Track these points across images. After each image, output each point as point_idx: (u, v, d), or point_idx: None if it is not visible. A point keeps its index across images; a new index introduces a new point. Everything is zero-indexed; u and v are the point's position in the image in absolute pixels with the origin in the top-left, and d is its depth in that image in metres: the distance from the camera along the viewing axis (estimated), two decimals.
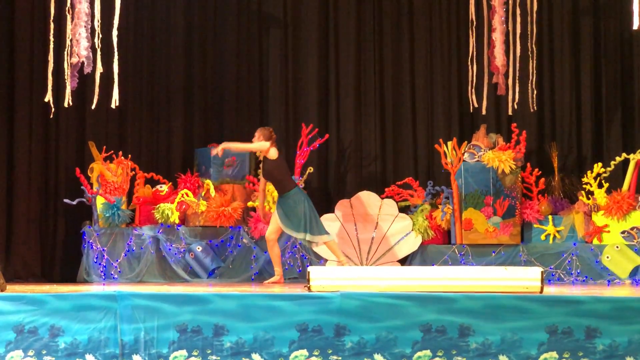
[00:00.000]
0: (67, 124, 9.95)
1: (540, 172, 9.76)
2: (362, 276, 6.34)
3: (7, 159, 9.61)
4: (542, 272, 6.10)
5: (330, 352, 5.59)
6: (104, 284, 9.01)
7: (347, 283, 6.04)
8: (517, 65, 8.99)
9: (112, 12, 8.21)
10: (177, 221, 9.53)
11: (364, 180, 10.67)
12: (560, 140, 10.35)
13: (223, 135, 10.59)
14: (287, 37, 10.99)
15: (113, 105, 8.32)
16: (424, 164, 10.66)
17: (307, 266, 8.15)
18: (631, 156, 9.39)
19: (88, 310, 5.77)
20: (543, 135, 10.46)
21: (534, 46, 9.08)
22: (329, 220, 9.72)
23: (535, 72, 9.14)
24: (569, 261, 9.17)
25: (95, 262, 9.46)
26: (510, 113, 9.26)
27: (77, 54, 8.20)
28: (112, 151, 9.86)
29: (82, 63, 8.24)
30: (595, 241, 9.18)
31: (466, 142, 9.69)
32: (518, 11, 8.92)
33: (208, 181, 9.74)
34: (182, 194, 9.59)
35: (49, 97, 8.31)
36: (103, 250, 9.48)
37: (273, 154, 8.65)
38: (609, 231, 9.15)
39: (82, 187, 9.58)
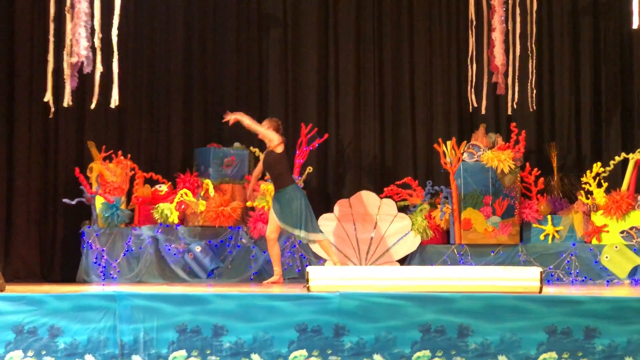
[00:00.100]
0: (67, 124, 9.95)
1: (540, 171, 9.77)
2: (361, 276, 6.34)
3: (7, 159, 9.61)
4: (541, 272, 6.10)
5: (329, 352, 5.59)
6: (103, 284, 9.01)
7: (346, 283, 6.04)
8: (517, 64, 8.99)
9: (111, 11, 8.20)
10: (176, 221, 9.53)
11: (363, 180, 10.68)
12: (560, 140, 10.36)
13: (222, 135, 10.61)
14: (287, 37, 10.99)
15: (112, 105, 8.30)
16: (423, 164, 10.67)
17: (306, 266, 8.15)
18: (630, 156, 9.39)
19: (87, 311, 5.77)
20: (542, 135, 10.47)
21: (533, 46, 9.08)
22: (327, 220, 9.73)
23: (534, 71, 9.14)
24: (568, 261, 9.17)
25: (95, 262, 9.46)
26: (509, 113, 9.26)
27: (76, 54, 8.19)
28: (112, 151, 9.86)
29: (82, 63, 8.23)
30: (595, 241, 9.18)
31: (465, 141, 9.70)
32: (518, 11, 8.91)
33: (207, 181, 9.74)
34: (182, 194, 9.59)
35: (48, 97, 8.30)
36: (102, 250, 9.48)
37: (280, 147, 8.66)
38: (608, 231, 9.15)
39: (81, 186, 9.58)
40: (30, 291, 6.26)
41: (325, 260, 9.35)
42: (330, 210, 9.88)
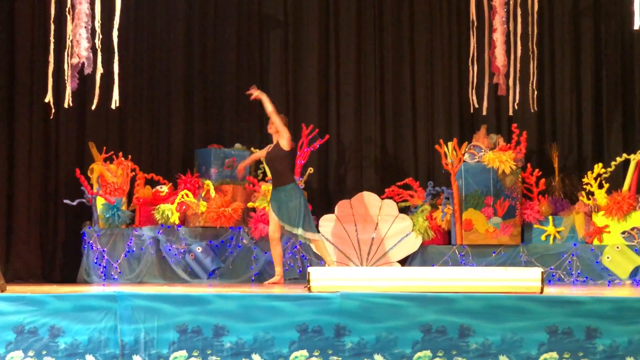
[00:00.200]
0: (68, 125, 9.95)
1: (541, 172, 9.77)
2: (362, 277, 6.33)
3: (8, 160, 9.61)
4: (542, 272, 6.09)
5: (330, 352, 5.58)
6: (104, 285, 9.01)
7: (347, 284, 6.03)
8: (518, 65, 8.98)
9: (112, 12, 8.21)
10: (177, 222, 9.53)
11: (364, 181, 10.68)
12: (561, 141, 10.35)
13: (223, 135, 10.61)
14: (288, 37, 11.00)
15: (113, 106, 8.31)
16: (424, 165, 10.67)
17: (308, 267, 8.15)
18: (631, 156, 9.39)
19: (88, 311, 5.76)
20: (543, 136, 10.46)
21: (534, 47, 9.07)
22: (328, 221, 9.74)
23: (535, 72, 9.14)
24: (569, 262, 9.17)
25: (96, 263, 9.46)
26: (510, 113, 9.26)
27: (77, 55, 8.20)
28: (112, 152, 9.87)
29: (83, 64, 8.24)
30: (596, 242, 9.18)
31: (466, 142, 9.69)
32: (519, 12, 8.91)
33: (208, 182, 9.74)
34: (182, 195, 9.59)
35: (49, 98, 8.31)
36: (103, 251, 9.48)
37: (287, 144, 8.67)
38: (609, 231, 9.15)
39: (82, 187, 9.58)
40: (31, 291, 6.25)
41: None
42: (332, 211, 9.88)
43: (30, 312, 5.79)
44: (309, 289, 6.12)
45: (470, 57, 9.11)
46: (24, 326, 5.76)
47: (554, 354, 5.42)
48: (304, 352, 5.59)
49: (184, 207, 9.61)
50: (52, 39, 8.33)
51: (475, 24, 9.07)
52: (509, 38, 8.97)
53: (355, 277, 6.29)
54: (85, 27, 8.22)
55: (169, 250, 9.45)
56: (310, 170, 10.11)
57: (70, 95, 8.31)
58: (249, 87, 9.39)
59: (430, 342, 5.52)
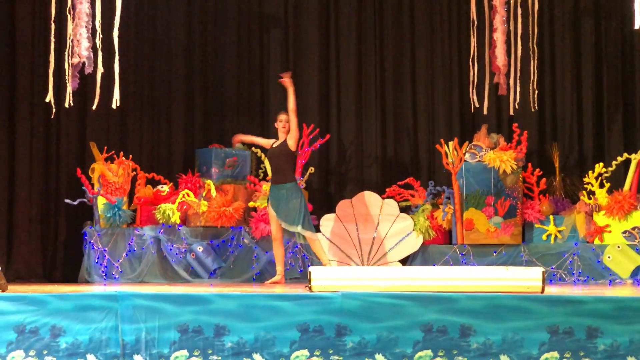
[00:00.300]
0: (68, 124, 9.95)
1: (542, 172, 9.77)
2: (363, 276, 6.33)
3: (9, 159, 9.61)
4: (543, 272, 6.09)
5: (331, 352, 5.58)
6: (105, 284, 9.01)
7: (348, 283, 6.03)
8: (518, 65, 8.98)
9: (112, 12, 8.21)
10: (178, 221, 9.53)
11: (365, 181, 10.68)
12: (562, 140, 10.35)
13: (224, 135, 10.60)
14: (288, 37, 11.00)
15: (114, 106, 8.31)
16: (425, 164, 10.67)
17: (309, 266, 8.15)
18: (632, 156, 9.39)
19: (89, 311, 5.77)
20: (544, 135, 10.46)
21: (535, 46, 9.07)
22: (329, 221, 9.74)
23: (536, 72, 9.14)
24: (570, 261, 9.16)
25: (97, 263, 9.46)
26: (511, 113, 9.26)
27: (77, 55, 8.20)
28: (113, 151, 9.87)
29: (83, 63, 8.23)
30: (597, 241, 9.17)
31: (467, 142, 9.69)
32: (519, 11, 8.91)
33: (209, 181, 9.74)
34: (183, 194, 9.59)
35: (50, 98, 8.31)
36: (104, 250, 9.48)
37: (294, 145, 8.69)
38: (610, 231, 9.14)
39: (83, 187, 9.58)
40: (32, 291, 6.25)
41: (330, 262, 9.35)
42: (332, 210, 9.88)
43: (31, 311, 5.79)
44: (310, 288, 6.13)
45: (471, 57, 9.11)
46: (25, 326, 5.77)
47: (555, 354, 5.42)
48: (305, 352, 5.59)
49: (185, 206, 9.61)
50: (52, 39, 8.32)
51: (476, 23, 9.07)
52: (510, 37, 8.97)
53: (356, 277, 6.29)
54: (86, 26, 8.21)
55: (170, 249, 9.46)
56: (311, 169, 10.12)
57: (70, 95, 8.31)
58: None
59: (431, 341, 5.52)
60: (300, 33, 11.02)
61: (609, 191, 9.27)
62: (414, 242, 9.59)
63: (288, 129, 8.70)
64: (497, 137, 9.75)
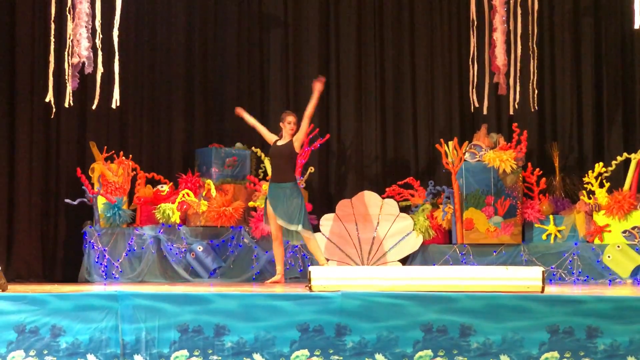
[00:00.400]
0: (68, 124, 9.95)
1: (541, 171, 9.77)
2: (363, 276, 6.33)
3: (8, 159, 9.61)
4: (543, 271, 6.09)
5: (331, 352, 5.58)
6: (105, 284, 9.01)
7: (348, 283, 6.03)
8: (518, 65, 8.99)
9: (112, 12, 8.22)
10: (178, 221, 9.53)
11: (365, 180, 10.68)
12: (561, 140, 10.35)
13: (224, 135, 10.61)
14: (288, 37, 11.00)
15: (114, 106, 8.32)
16: (425, 164, 10.67)
17: (308, 266, 8.15)
18: (632, 156, 9.39)
19: (89, 310, 5.76)
20: (544, 135, 10.46)
21: (534, 46, 9.07)
22: (329, 220, 9.74)
23: (536, 71, 9.14)
24: (570, 261, 9.17)
25: (97, 262, 9.47)
26: (511, 113, 9.26)
27: (77, 54, 8.20)
28: (113, 151, 9.87)
29: (83, 63, 8.24)
30: (597, 241, 9.18)
31: (467, 141, 9.69)
32: (519, 11, 8.91)
33: (209, 181, 9.75)
34: (183, 194, 9.60)
35: (49, 97, 8.31)
36: (104, 250, 9.49)
37: (299, 146, 8.72)
38: (610, 231, 9.15)
39: (83, 187, 9.58)
40: (32, 291, 6.25)
41: (327, 260, 9.34)
42: (332, 210, 9.88)
43: (31, 311, 5.79)
44: (310, 288, 6.12)
45: (471, 57, 9.11)
46: (25, 326, 5.76)
47: (555, 354, 5.42)
48: (305, 352, 5.59)
49: (184, 206, 9.61)
50: (52, 39, 8.33)
51: (476, 23, 9.07)
52: (509, 37, 8.97)
53: (356, 277, 6.28)
54: (86, 26, 8.22)
55: (170, 249, 9.46)
56: (311, 169, 10.12)
57: (70, 94, 8.32)
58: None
59: (431, 341, 5.52)
60: (300, 33, 11.02)
61: (609, 191, 9.27)
62: (414, 242, 9.59)
63: (295, 130, 8.71)
64: (496, 137, 9.76)
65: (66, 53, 8.29)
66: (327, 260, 9.28)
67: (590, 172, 9.42)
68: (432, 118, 10.75)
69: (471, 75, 9.10)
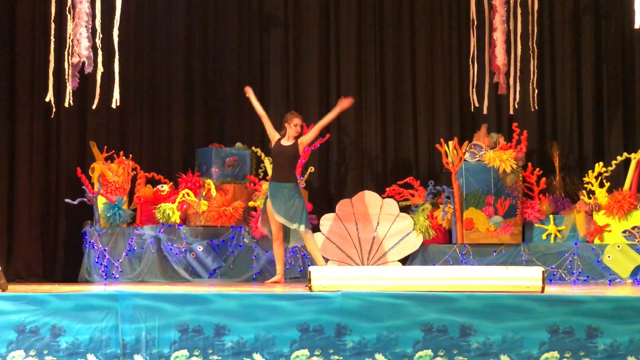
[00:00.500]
0: (68, 124, 9.95)
1: (542, 171, 9.76)
2: (363, 276, 6.34)
3: (8, 159, 9.61)
4: (543, 271, 6.09)
5: (331, 351, 5.58)
6: (105, 284, 9.02)
7: (348, 283, 6.03)
8: (518, 64, 8.98)
9: (112, 12, 8.22)
10: (178, 221, 9.53)
11: (365, 180, 10.67)
12: (562, 140, 10.35)
13: (224, 134, 10.61)
14: (288, 36, 10.99)
15: (114, 105, 8.32)
16: (425, 164, 10.67)
17: (308, 266, 8.15)
18: (632, 155, 9.39)
19: (89, 310, 5.77)
20: (544, 135, 10.45)
21: (534, 45, 9.06)
22: (329, 220, 9.74)
23: (536, 71, 9.13)
24: (570, 261, 9.17)
25: (97, 262, 9.47)
26: (511, 112, 9.25)
27: (77, 54, 8.20)
28: (113, 151, 9.87)
29: (83, 63, 8.24)
30: (597, 240, 9.18)
31: (467, 141, 9.69)
32: (519, 10, 8.90)
33: (209, 181, 9.74)
34: (183, 194, 9.59)
35: (49, 97, 8.31)
36: (104, 250, 9.49)
37: (303, 148, 8.73)
38: (610, 230, 9.15)
39: (83, 186, 9.58)
40: (32, 291, 6.26)
41: (327, 260, 9.34)
42: (332, 210, 9.88)
43: (31, 311, 5.79)
44: (310, 288, 6.13)
45: (471, 56, 9.11)
46: (25, 325, 5.77)
47: (555, 353, 5.42)
48: (305, 352, 5.59)
49: (185, 206, 9.61)
50: (52, 38, 8.33)
51: (476, 23, 9.07)
52: (509, 37, 8.96)
53: (356, 276, 6.29)
54: (86, 26, 8.22)
55: (170, 249, 9.46)
56: (311, 169, 10.11)
57: (70, 94, 8.32)
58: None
59: (431, 341, 5.52)
60: (300, 33, 11.01)
61: (609, 191, 9.27)
62: (414, 242, 9.59)
63: (300, 134, 8.70)
64: (497, 137, 9.75)
65: (66, 53, 8.28)
66: (327, 260, 9.30)
67: (590, 172, 9.41)
68: (432, 118, 10.75)
69: (471, 75, 9.09)
